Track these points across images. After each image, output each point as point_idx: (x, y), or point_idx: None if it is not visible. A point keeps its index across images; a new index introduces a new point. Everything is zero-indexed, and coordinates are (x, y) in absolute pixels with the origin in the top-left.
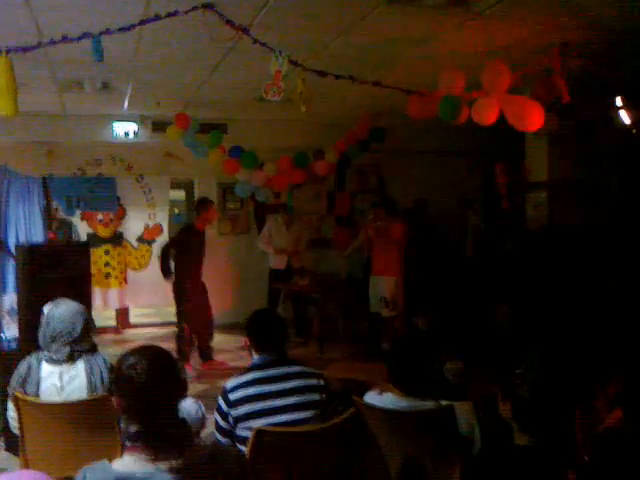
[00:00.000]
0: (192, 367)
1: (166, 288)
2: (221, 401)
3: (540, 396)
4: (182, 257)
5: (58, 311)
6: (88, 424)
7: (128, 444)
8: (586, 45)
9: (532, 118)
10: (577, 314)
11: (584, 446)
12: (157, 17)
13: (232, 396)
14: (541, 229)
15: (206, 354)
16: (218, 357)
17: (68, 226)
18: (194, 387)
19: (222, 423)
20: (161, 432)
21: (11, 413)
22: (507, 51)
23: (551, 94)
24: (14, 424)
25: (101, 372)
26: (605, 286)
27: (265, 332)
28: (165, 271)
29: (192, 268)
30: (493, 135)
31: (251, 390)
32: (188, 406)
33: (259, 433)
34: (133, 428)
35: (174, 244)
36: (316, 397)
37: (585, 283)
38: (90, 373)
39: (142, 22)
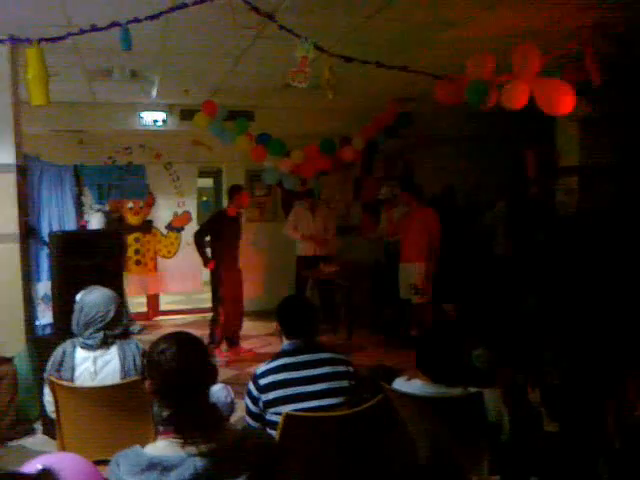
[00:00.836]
0: (222, 352)
1: (195, 275)
2: (251, 386)
3: (571, 383)
4: (216, 243)
5: (91, 297)
6: (121, 408)
7: (161, 429)
8: (619, 27)
9: (563, 102)
10: (609, 301)
11: (615, 433)
12: (184, 5)
13: (262, 381)
14: (573, 214)
15: (234, 341)
16: (245, 344)
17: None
18: (224, 373)
19: (252, 407)
20: (192, 417)
21: (47, 398)
22: (538, 34)
23: (582, 77)
24: (50, 408)
25: (134, 357)
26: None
27: (296, 318)
28: (203, 257)
29: (227, 254)
30: (523, 120)
31: (281, 376)
32: (217, 391)
33: (288, 418)
34: (165, 413)
35: (207, 230)
36: (345, 384)
37: (616, 270)
38: (123, 358)
39: (169, 10)
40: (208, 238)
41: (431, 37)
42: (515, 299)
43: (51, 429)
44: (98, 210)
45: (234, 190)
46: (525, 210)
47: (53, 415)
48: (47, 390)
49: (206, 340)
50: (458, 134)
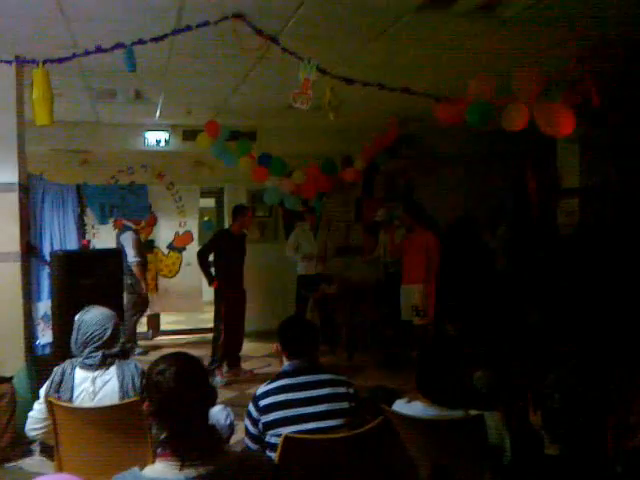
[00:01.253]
0: (222, 373)
1: (195, 295)
2: (251, 407)
3: (572, 406)
4: (220, 262)
5: (88, 316)
6: (120, 429)
7: (159, 451)
8: (619, 48)
9: (563, 124)
10: (609, 323)
11: (616, 458)
12: (188, 27)
13: (262, 402)
14: (574, 232)
15: (233, 361)
16: (245, 364)
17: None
18: (223, 394)
19: (252, 429)
20: (190, 439)
21: (33, 414)
22: (537, 57)
23: (582, 98)
24: (32, 426)
25: (133, 377)
26: None
27: (297, 339)
28: (207, 276)
29: (231, 273)
30: (523, 141)
31: (281, 397)
32: (217, 413)
33: (287, 440)
34: (163, 434)
35: (211, 249)
36: (345, 405)
37: (618, 290)
38: (122, 378)
39: (174, 32)
40: (212, 258)
41: (432, 60)
42: (516, 319)
43: (48, 449)
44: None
45: (239, 210)
46: (526, 232)
47: (32, 433)
48: (38, 407)
49: (207, 360)
50: (459, 155)
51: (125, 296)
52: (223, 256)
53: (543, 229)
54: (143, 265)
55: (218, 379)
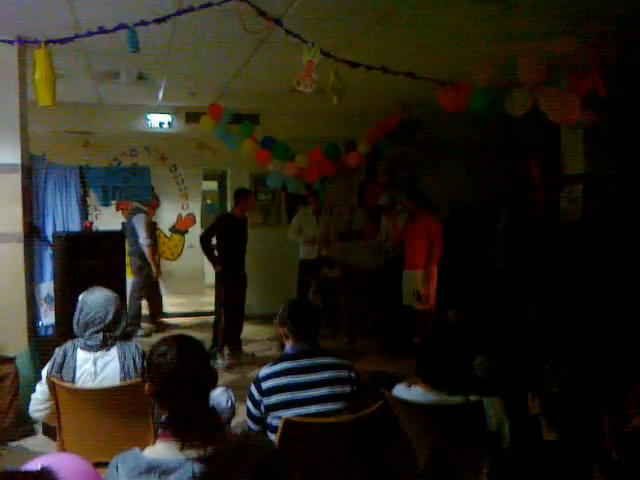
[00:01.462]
0: (224, 356)
1: (198, 278)
2: (253, 389)
3: (571, 392)
4: (223, 246)
5: (91, 297)
6: (122, 410)
7: (160, 431)
8: (625, 35)
9: (568, 111)
10: (611, 311)
11: (613, 443)
12: (192, 8)
13: (264, 385)
14: (577, 223)
15: (235, 344)
16: (246, 348)
17: None
18: (225, 377)
19: (254, 410)
20: (190, 420)
21: (36, 395)
22: (543, 42)
23: (587, 88)
24: (35, 407)
25: (134, 358)
26: None
27: (302, 322)
28: (211, 259)
29: (233, 256)
30: (527, 127)
31: (283, 380)
32: (218, 395)
33: (287, 423)
34: (164, 415)
35: (213, 232)
36: (346, 389)
37: (617, 279)
38: (123, 359)
39: (177, 13)
40: (214, 241)
41: (437, 44)
42: (518, 306)
43: (51, 430)
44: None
45: (241, 193)
46: (528, 220)
47: (36, 414)
48: (40, 388)
49: (209, 343)
50: (463, 140)
51: (134, 278)
52: (225, 240)
53: (546, 217)
54: (154, 247)
55: (219, 362)
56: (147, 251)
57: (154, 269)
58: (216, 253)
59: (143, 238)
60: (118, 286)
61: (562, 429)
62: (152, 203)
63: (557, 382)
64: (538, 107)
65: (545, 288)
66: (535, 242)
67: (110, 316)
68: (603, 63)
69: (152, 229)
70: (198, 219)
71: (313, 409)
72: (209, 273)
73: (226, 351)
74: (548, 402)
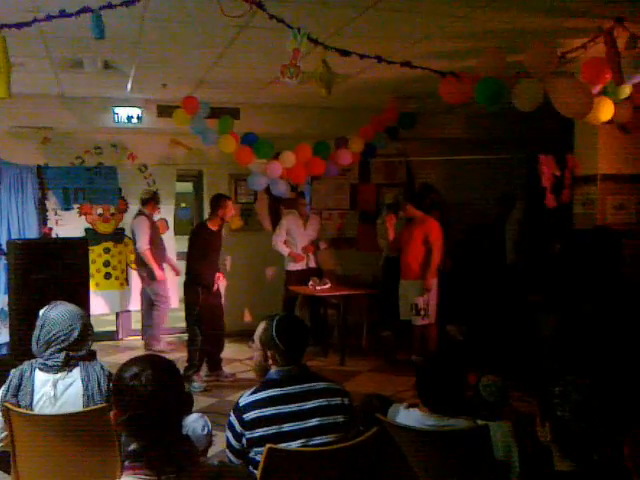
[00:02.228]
0: (201, 378)
1: (172, 290)
2: (234, 419)
3: (584, 417)
4: (197, 259)
5: (54, 313)
6: (85, 438)
7: (128, 463)
8: None
9: (582, 104)
10: (630, 328)
11: (634, 471)
12: None
13: (246, 416)
14: (592, 229)
15: (215, 364)
16: (227, 368)
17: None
18: (203, 401)
19: (235, 443)
20: (164, 450)
21: None
22: (553, 30)
23: (603, 77)
24: None
25: (99, 381)
26: None
27: (293, 341)
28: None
29: (208, 270)
30: (537, 123)
31: (268, 410)
32: (194, 422)
33: (271, 452)
34: (133, 445)
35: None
36: (339, 419)
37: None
38: (87, 381)
39: None
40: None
41: (437, 31)
42: (530, 317)
43: (5, 462)
44: (140, 214)
45: (216, 200)
46: (538, 226)
47: None
48: None
49: (185, 364)
50: (465, 137)
51: (146, 290)
52: (201, 254)
53: (558, 219)
54: (160, 250)
55: (197, 385)
56: (146, 257)
57: (158, 273)
58: (185, 264)
59: (141, 243)
60: (82, 300)
61: (578, 459)
62: (119, 207)
63: (568, 406)
64: (549, 100)
65: (561, 294)
66: (552, 239)
67: (75, 334)
68: (619, 50)
69: (156, 231)
70: (171, 225)
71: (301, 443)
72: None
73: (204, 371)
74: (559, 428)
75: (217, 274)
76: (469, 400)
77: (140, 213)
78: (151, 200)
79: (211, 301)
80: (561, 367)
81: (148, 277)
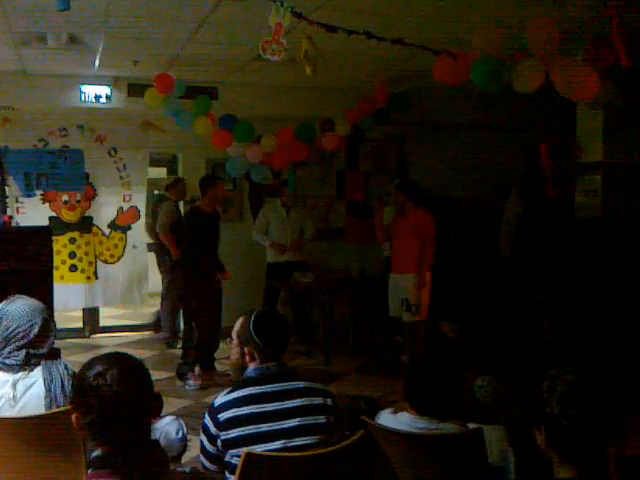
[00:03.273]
0: (196, 377)
1: (141, 284)
2: (208, 421)
3: (571, 408)
4: (191, 247)
5: (13, 307)
6: (48, 443)
7: (91, 471)
8: None
9: (585, 85)
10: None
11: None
12: None
13: (222, 416)
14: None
15: (208, 363)
16: (219, 366)
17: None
18: (176, 402)
19: (209, 447)
20: (131, 456)
21: None
22: (556, 6)
23: (608, 58)
24: None
25: (62, 381)
26: None
27: (273, 337)
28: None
29: (204, 259)
30: (538, 106)
31: (245, 410)
32: (167, 425)
33: (249, 458)
34: (98, 451)
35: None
36: (321, 419)
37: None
38: (49, 382)
39: None
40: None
41: (430, 6)
42: (528, 315)
43: None
44: (164, 199)
45: (207, 181)
46: (538, 216)
47: None
48: None
49: (155, 363)
50: (461, 121)
51: (165, 277)
52: (195, 240)
53: (559, 209)
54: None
55: (191, 383)
56: (164, 239)
57: (173, 252)
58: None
59: (157, 226)
60: (45, 294)
61: (574, 461)
62: (86, 194)
63: (555, 400)
64: (550, 81)
65: (561, 290)
66: (550, 239)
67: (35, 330)
68: (629, 27)
69: (177, 219)
70: (143, 213)
71: (280, 444)
72: (153, 279)
73: (197, 370)
74: (550, 426)
75: (224, 273)
76: (463, 401)
77: (164, 199)
78: (171, 187)
79: (209, 294)
80: (558, 365)
81: (168, 267)
